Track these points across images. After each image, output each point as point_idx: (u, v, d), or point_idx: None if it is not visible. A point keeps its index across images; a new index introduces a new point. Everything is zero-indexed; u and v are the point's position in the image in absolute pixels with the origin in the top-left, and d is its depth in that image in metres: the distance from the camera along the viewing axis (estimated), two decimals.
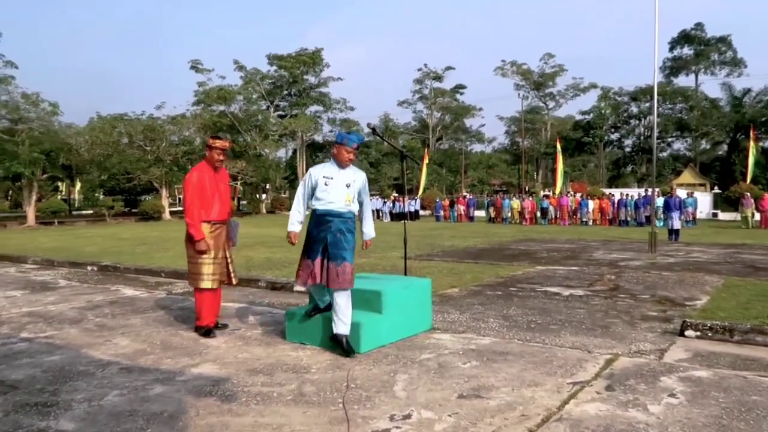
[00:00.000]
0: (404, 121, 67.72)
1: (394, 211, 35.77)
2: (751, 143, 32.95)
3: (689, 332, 5.02)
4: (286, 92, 54.03)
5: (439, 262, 11.30)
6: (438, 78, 61.06)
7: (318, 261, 4.50)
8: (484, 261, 11.47)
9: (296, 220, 4.70)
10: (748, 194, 25.99)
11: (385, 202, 36.63)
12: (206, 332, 5.20)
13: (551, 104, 61.78)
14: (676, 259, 11.85)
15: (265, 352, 4.69)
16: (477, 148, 69.10)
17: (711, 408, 3.31)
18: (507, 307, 6.52)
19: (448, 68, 60.94)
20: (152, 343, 5.05)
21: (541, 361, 4.30)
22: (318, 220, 4.55)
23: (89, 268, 10.92)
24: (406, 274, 6.02)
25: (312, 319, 4.83)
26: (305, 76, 53.22)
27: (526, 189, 48.44)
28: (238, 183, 45.63)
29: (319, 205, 4.56)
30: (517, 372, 4.04)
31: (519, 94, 55.13)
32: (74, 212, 43.80)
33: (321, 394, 3.64)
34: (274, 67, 52.20)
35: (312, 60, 52.03)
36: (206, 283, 5.11)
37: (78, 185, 48.52)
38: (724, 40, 53.62)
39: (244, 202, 50.10)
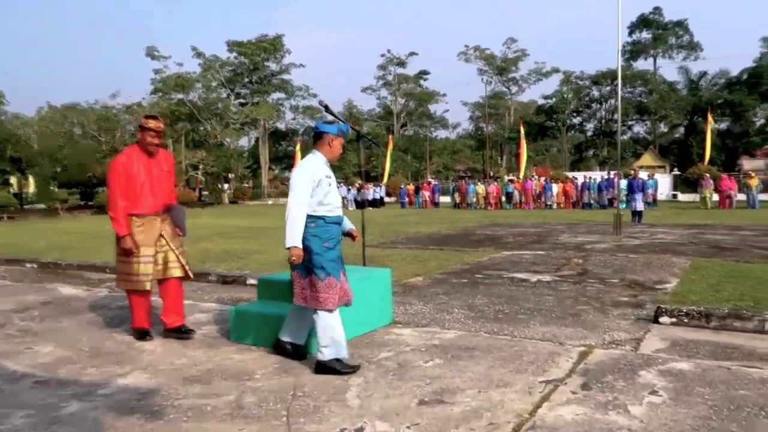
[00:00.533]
0: (368, 107, 67.14)
1: (359, 199, 35.28)
2: (709, 125, 33.53)
3: (664, 319, 4.74)
4: (247, 79, 52.77)
5: (403, 250, 10.92)
6: (401, 64, 60.56)
7: (344, 276, 3.83)
8: (449, 247, 11.13)
9: (301, 233, 3.66)
10: (707, 175, 26.40)
11: (349, 190, 36.09)
12: (141, 335, 4.67)
13: (514, 89, 62.01)
14: (641, 240, 11.74)
15: (206, 355, 4.20)
16: (442, 134, 69.07)
17: (698, 407, 2.98)
18: (473, 296, 6.17)
19: (412, 54, 60.52)
20: (80, 349, 4.50)
21: (510, 356, 3.93)
22: (329, 230, 3.79)
23: (28, 265, 10.16)
24: (365, 264, 5.58)
25: (261, 318, 4.37)
26: (266, 63, 52.05)
27: (491, 174, 48.57)
28: (199, 173, 44.44)
29: (326, 212, 3.78)
30: (484, 370, 3.65)
31: (482, 80, 55.13)
32: (26, 206, 41.95)
33: (263, 405, 3.19)
34: (234, 54, 50.86)
35: (273, 46, 50.88)
36: (135, 285, 4.55)
37: (31, 178, 46.56)
38: (681, 24, 54.56)
39: (206, 192, 48.88)
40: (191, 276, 4.80)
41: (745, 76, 47.12)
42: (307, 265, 3.67)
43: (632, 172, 18.11)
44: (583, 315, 5.14)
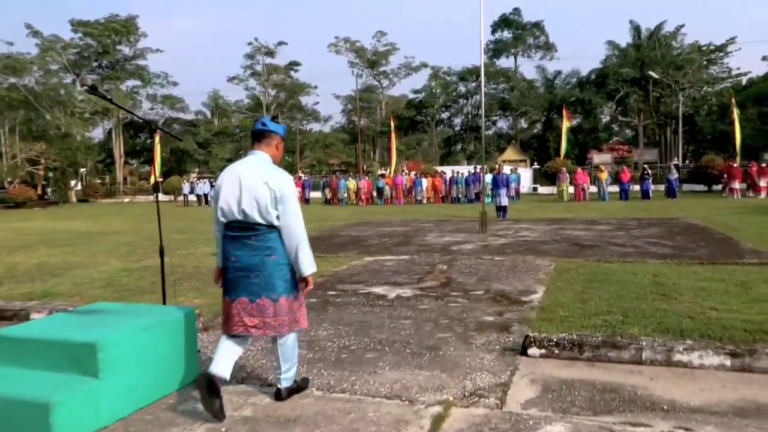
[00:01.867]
0: (236, 98, 63.93)
1: None
2: (564, 122, 35.52)
3: (533, 350, 4.00)
4: (95, 64, 47.66)
5: None
6: (270, 53, 58.21)
7: None
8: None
9: None
10: (564, 169, 27.72)
11: (212, 186, 33.62)
12: None
13: (385, 83, 62.18)
14: (506, 239, 11.45)
15: None
16: (316, 127, 67.74)
17: None
18: (318, 323, 5.11)
19: (281, 43, 58.34)
20: None
21: (341, 431, 2.91)
22: None
23: None
24: (164, 300, 4.27)
25: None
26: (118, 47, 47.32)
27: (364, 168, 48.21)
28: (41, 168, 39.37)
29: None
30: None
31: (353, 72, 54.53)
32: None
33: None
34: (79, 35, 45.61)
35: (125, 28, 46.35)
36: None
37: None
38: (538, 25, 57.70)
39: (50, 189, 43.51)
40: None
41: (593, 76, 50.90)
42: (294, 282, 3.24)
43: (497, 166, 18.16)
44: (443, 347, 4.28)
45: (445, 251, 9.87)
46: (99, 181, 48.14)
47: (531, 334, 4.14)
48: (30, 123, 38.79)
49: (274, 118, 3.65)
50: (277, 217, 3.10)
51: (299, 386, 3.39)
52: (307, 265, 3.17)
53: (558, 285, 6.57)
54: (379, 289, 6.60)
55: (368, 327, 4.95)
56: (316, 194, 34.73)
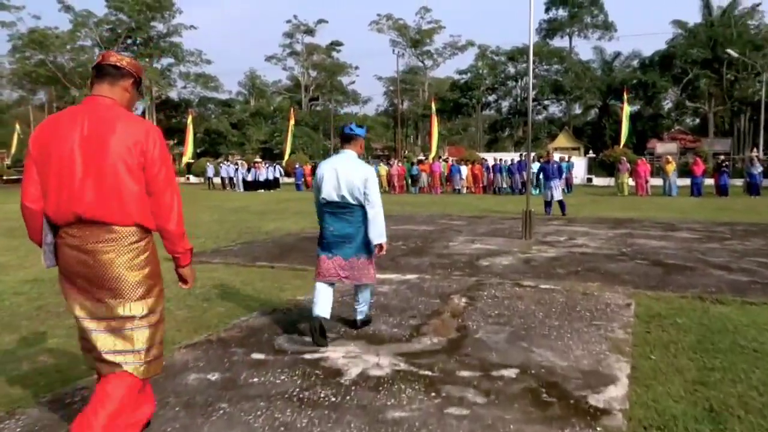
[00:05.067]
0: (275, 78, 61.85)
1: (249, 179, 30.86)
2: (625, 106, 31.66)
3: None
4: (129, 41, 46.28)
5: (215, 267, 7.16)
6: (310, 32, 55.72)
7: None
8: (283, 264, 7.46)
9: None
10: (625, 159, 24.25)
11: (237, 169, 31.53)
12: None
13: (429, 63, 58.67)
14: (557, 249, 8.56)
15: None
16: (356, 110, 65.07)
17: None
18: None
19: (321, 21, 55.75)
20: None
21: None
22: None
23: None
24: None
25: None
26: (152, 23, 45.73)
27: (404, 153, 45.35)
28: None
29: None
30: None
31: (395, 51, 51.50)
32: None
33: None
34: (113, 10, 44.19)
35: (159, 4, 44.65)
36: None
37: None
38: (596, 3, 53.10)
39: None
40: None
41: (657, 58, 46.26)
42: (369, 248, 4.20)
43: (546, 154, 15.08)
44: None
45: (470, 268, 7.10)
46: None
47: None
48: (60, 101, 37.57)
49: (358, 125, 4.37)
50: (364, 200, 4.09)
51: (369, 319, 4.54)
52: (377, 237, 4.14)
53: (651, 360, 3.76)
54: (338, 353, 3.92)
55: None
56: None
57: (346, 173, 4.07)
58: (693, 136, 46.84)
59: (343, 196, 4.08)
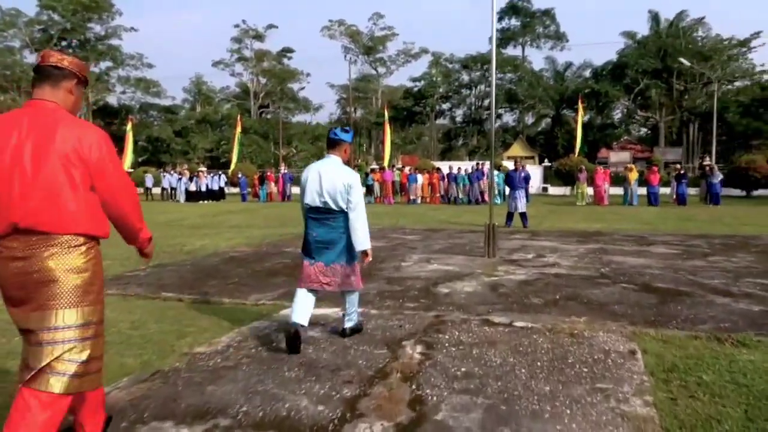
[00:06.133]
0: (222, 84, 59.62)
1: (192, 189, 28.86)
2: (579, 114, 31.28)
3: None
4: (64, 42, 43.36)
5: (112, 299, 5.53)
6: (259, 37, 53.85)
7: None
8: (193, 294, 5.95)
9: None
10: (584, 168, 23.63)
11: (179, 178, 29.48)
12: None
13: (382, 70, 57.64)
14: (527, 269, 7.34)
15: None
16: (308, 118, 63.28)
17: None
18: None
19: (271, 26, 54.01)
20: None
21: None
22: None
23: None
24: None
25: None
26: (89, 24, 42.99)
27: (356, 163, 44.02)
28: None
29: None
30: None
31: (346, 57, 50.22)
32: None
33: None
34: (44, 10, 41.25)
35: (96, 4, 42.02)
36: None
37: None
38: (548, 13, 53.47)
39: None
40: None
41: (609, 68, 46.60)
42: (353, 254, 4.15)
43: (514, 162, 13.99)
44: None
45: (427, 297, 5.78)
46: None
47: None
48: None
49: (344, 129, 4.24)
50: (347, 206, 4.02)
51: (359, 327, 4.40)
52: (361, 243, 4.08)
53: None
54: None
55: None
56: (297, 190, 30.59)
57: (329, 178, 4.03)
58: (641, 146, 47.35)
59: (325, 202, 4.04)
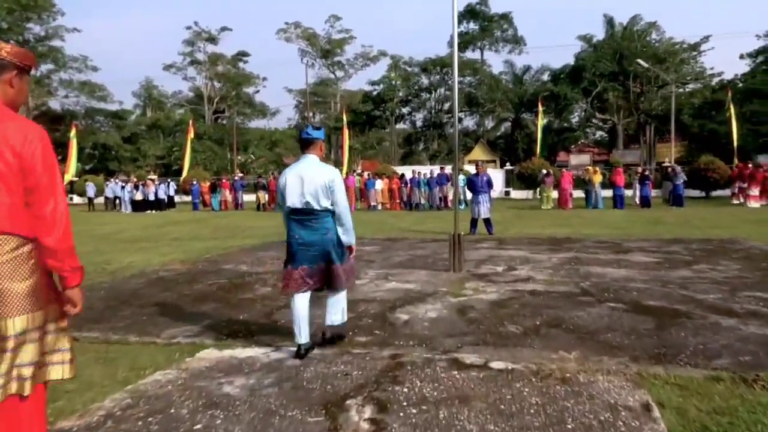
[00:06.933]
0: (175, 89, 57.46)
1: (138, 198, 27.14)
2: (539, 117, 30.93)
3: None
4: None
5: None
6: (212, 40, 52.08)
7: None
8: (96, 329, 4.78)
9: None
10: (550, 171, 23.10)
11: (123, 187, 27.73)
12: None
13: (340, 74, 56.54)
14: (498, 287, 6.40)
15: None
16: (264, 123, 61.63)
17: None
18: None
19: (224, 29, 52.31)
20: None
21: None
22: None
23: None
24: None
25: None
26: (27, 24, 40.57)
27: None
28: None
29: None
30: None
31: (303, 61, 48.98)
32: None
33: None
34: None
35: (35, 3, 39.67)
36: None
37: None
38: (506, 17, 53.39)
39: None
40: None
41: (567, 71, 46.73)
42: (343, 252, 4.12)
43: (476, 166, 13.14)
44: None
45: (382, 327, 4.78)
46: None
47: None
48: None
49: (315, 127, 4.19)
50: (331, 204, 3.98)
51: (341, 334, 4.33)
52: (353, 238, 4.15)
53: None
54: None
55: None
56: (252, 198, 29.17)
57: (310, 178, 3.97)
58: (599, 148, 47.62)
59: (307, 203, 3.99)
